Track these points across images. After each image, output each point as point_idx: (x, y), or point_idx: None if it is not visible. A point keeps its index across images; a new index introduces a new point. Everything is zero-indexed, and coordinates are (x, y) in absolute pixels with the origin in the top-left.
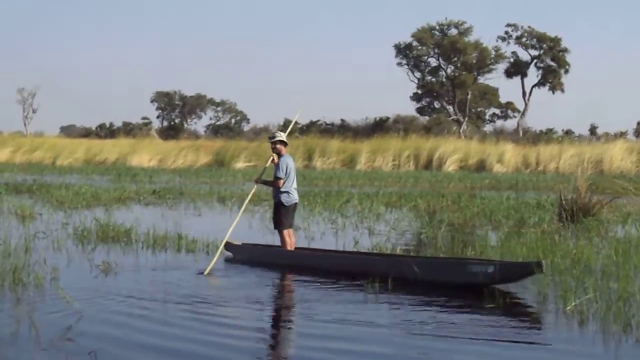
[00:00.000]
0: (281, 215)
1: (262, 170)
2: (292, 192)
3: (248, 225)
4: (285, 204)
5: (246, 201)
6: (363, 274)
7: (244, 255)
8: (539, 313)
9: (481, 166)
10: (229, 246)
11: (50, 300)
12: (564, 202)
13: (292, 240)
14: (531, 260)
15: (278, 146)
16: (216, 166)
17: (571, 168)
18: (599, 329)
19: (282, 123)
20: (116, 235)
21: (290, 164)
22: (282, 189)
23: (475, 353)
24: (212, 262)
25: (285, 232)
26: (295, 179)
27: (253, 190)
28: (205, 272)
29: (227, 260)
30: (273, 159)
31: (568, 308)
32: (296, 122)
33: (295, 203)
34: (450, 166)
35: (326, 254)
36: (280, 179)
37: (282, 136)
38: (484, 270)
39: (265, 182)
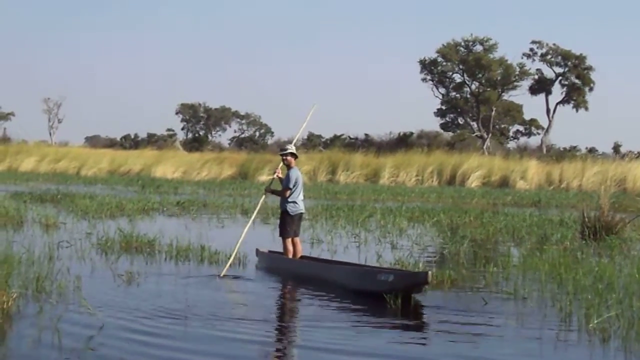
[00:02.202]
0: (286, 224)
1: (270, 180)
2: (298, 202)
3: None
4: (291, 213)
5: (256, 210)
6: (321, 280)
7: (264, 263)
8: (561, 331)
9: (504, 182)
10: (257, 253)
11: (73, 309)
12: (586, 219)
13: (299, 248)
14: (419, 271)
15: (289, 158)
16: (240, 179)
17: (594, 186)
18: (620, 346)
19: (306, 137)
20: (139, 246)
21: (298, 175)
22: (289, 199)
23: None
24: (227, 266)
25: (288, 240)
26: (302, 191)
27: (262, 200)
28: (222, 274)
29: (256, 267)
30: (278, 173)
31: (590, 326)
32: (306, 125)
33: (301, 213)
34: (474, 182)
35: (301, 262)
36: (288, 189)
37: (292, 149)
38: (386, 278)
39: (274, 192)
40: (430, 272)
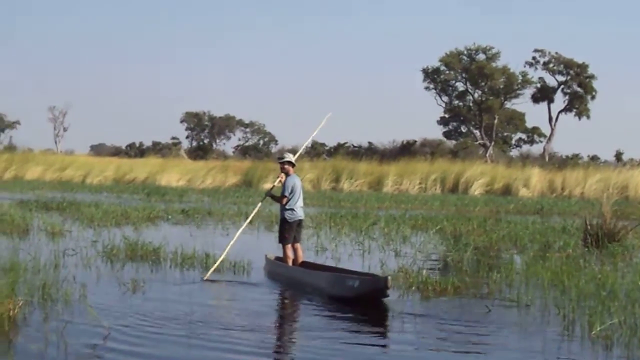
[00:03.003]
0: (284, 231)
1: (272, 186)
2: (296, 209)
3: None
4: (289, 220)
5: (252, 214)
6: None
7: (267, 269)
8: (564, 338)
9: (507, 190)
10: (266, 259)
11: (78, 317)
12: (589, 227)
13: (299, 254)
14: (380, 277)
15: (286, 166)
16: (244, 187)
17: (596, 193)
18: (623, 353)
19: (310, 145)
20: (145, 254)
21: (296, 183)
22: (287, 206)
23: None
24: (212, 269)
25: (288, 247)
26: (301, 198)
27: (259, 205)
28: (205, 277)
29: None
30: (280, 179)
31: (593, 333)
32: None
33: (300, 220)
34: (477, 190)
35: (291, 268)
36: (285, 196)
37: (290, 157)
38: (353, 284)
39: (273, 197)
40: (389, 278)
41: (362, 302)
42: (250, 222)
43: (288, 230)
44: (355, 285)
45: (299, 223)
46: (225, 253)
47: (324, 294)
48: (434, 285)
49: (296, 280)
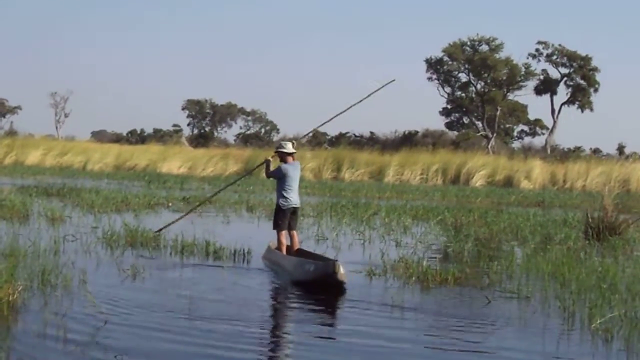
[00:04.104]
0: (278, 218)
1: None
2: (290, 197)
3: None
4: (282, 207)
5: (253, 168)
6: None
7: (265, 256)
8: (564, 330)
9: (508, 182)
10: (268, 247)
11: (78, 302)
12: (590, 220)
13: (295, 240)
14: (330, 261)
15: (285, 157)
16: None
17: (598, 186)
18: (623, 347)
19: (311, 135)
20: (145, 241)
21: (290, 171)
22: (281, 193)
23: None
24: (168, 225)
25: (282, 233)
26: (296, 186)
27: (257, 166)
28: (156, 230)
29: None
30: (269, 162)
31: (593, 326)
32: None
33: (295, 207)
34: (478, 181)
35: (276, 254)
36: (271, 175)
37: (285, 147)
38: (309, 268)
39: (267, 166)
40: (337, 263)
41: (319, 288)
42: (252, 211)
43: (282, 217)
44: (311, 270)
45: (294, 211)
46: (183, 215)
47: (292, 278)
48: (434, 276)
49: (279, 267)
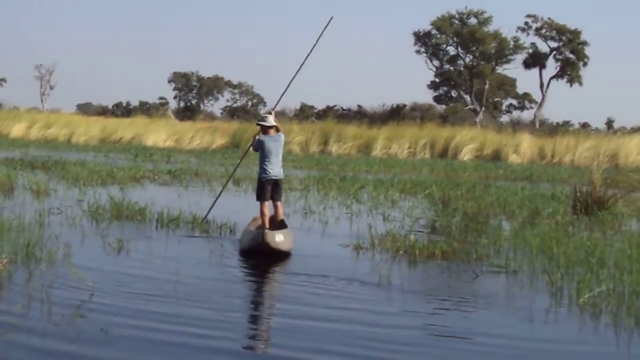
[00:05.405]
0: (258, 189)
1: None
2: (269, 169)
3: None
4: (262, 179)
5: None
6: None
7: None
8: (552, 305)
9: (497, 156)
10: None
11: (62, 276)
12: (578, 194)
13: (279, 211)
14: (262, 231)
15: (261, 127)
16: (232, 148)
17: (587, 161)
18: (611, 321)
19: (299, 107)
20: (130, 214)
21: (268, 143)
22: (261, 165)
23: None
24: (210, 208)
25: (264, 204)
26: (275, 159)
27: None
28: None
29: None
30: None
31: (581, 300)
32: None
33: (275, 179)
34: (466, 155)
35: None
36: (253, 149)
37: (265, 121)
38: (250, 237)
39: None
40: (266, 232)
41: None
42: (239, 185)
43: (261, 189)
44: (248, 239)
45: (275, 182)
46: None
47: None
48: (421, 250)
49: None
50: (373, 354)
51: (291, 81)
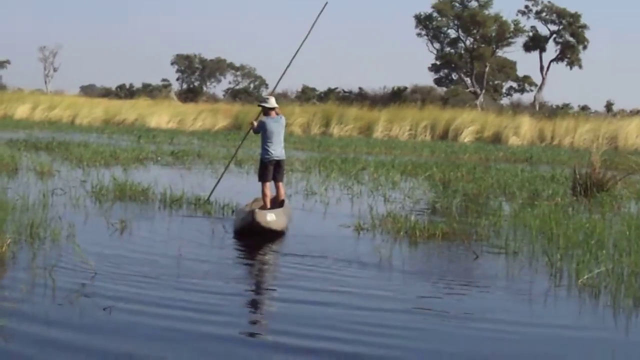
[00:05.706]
0: (260, 170)
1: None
2: (271, 150)
3: None
4: (264, 160)
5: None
6: None
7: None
8: (551, 286)
9: (497, 138)
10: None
11: (66, 256)
12: (578, 176)
13: (281, 192)
14: (252, 211)
15: (263, 109)
16: (234, 130)
17: (586, 143)
18: (610, 302)
19: (300, 89)
20: (133, 195)
21: (269, 125)
22: (263, 146)
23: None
24: (213, 188)
25: (266, 185)
26: (277, 139)
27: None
28: (207, 198)
29: None
30: (255, 120)
31: (580, 281)
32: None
33: (277, 160)
34: (466, 137)
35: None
36: (255, 132)
37: (267, 102)
38: (242, 217)
39: (253, 125)
40: (255, 211)
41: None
42: (241, 166)
43: (263, 169)
44: (241, 218)
45: (277, 163)
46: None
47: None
48: (422, 231)
49: None
50: (368, 339)
51: (287, 67)
